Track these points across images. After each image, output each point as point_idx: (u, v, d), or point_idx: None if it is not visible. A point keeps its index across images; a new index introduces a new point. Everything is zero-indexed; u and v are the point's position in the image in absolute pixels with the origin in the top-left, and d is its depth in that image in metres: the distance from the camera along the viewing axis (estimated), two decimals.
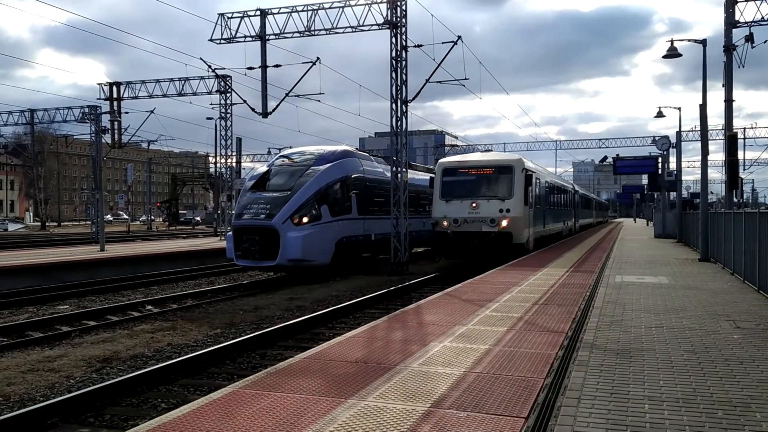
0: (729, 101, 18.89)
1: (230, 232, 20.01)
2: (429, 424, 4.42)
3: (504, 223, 19.57)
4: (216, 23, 25.26)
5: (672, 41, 21.78)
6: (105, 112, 35.38)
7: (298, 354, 6.62)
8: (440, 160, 22.49)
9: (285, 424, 4.40)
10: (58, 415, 6.96)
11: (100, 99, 35.07)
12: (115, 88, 34.58)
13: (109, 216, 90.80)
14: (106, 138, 36.05)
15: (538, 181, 23.61)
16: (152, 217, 74.65)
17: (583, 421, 4.48)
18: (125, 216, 78.71)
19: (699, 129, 22.55)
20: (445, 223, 20.22)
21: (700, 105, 20.56)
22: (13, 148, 78.97)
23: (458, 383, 5.43)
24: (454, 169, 21.42)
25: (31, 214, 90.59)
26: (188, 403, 4.99)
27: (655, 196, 46.97)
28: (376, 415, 4.59)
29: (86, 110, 38.19)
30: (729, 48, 18.64)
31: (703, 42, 21.08)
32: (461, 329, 7.85)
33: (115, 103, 34.52)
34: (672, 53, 21.77)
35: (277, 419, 4.52)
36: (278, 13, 24.52)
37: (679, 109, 33.06)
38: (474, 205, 20.02)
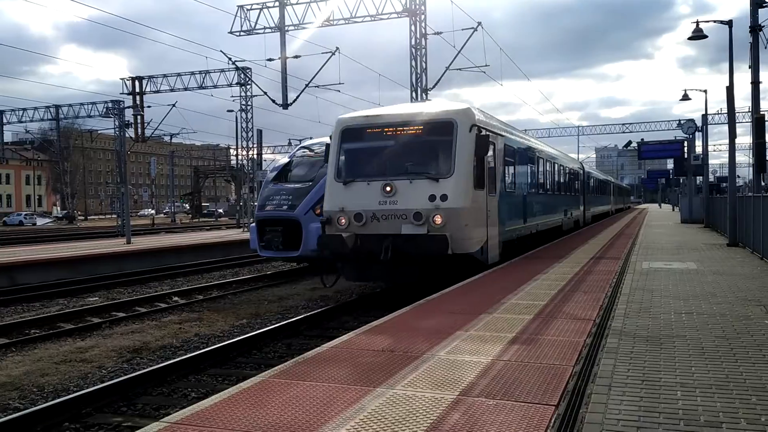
0: (756, 83, 18.47)
1: (253, 224, 20.15)
2: (458, 412, 4.42)
3: (438, 219, 11.48)
4: (235, 15, 25.38)
5: (697, 22, 21.37)
6: (128, 107, 35.81)
7: (325, 343, 6.66)
8: (339, 117, 13.47)
9: (315, 413, 4.44)
10: (92, 404, 7.08)
11: (123, 94, 35.52)
12: (137, 83, 34.94)
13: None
14: (130, 132, 36.49)
15: (508, 148, 14.94)
16: (176, 210, 75.43)
17: (614, 409, 4.45)
18: (150, 211, 79.63)
19: (725, 112, 22.15)
20: (342, 220, 12.17)
21: (727, 87, 20.19)
22: (39, 144, 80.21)
23: (486, 371, 5.42)
24: (358, 131, 12.99)
25: (59, 208, 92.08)
26: (219, 392, 5.05)
27: (681, 180, 46.31)
28: (405, 404, 4.60)
29: (110, 105, 38.67)
30: (755, 28, 18.20)
31: (729, 23, 20.61)
32: (488, 317, 7.83)
33: (137, 97, 34.89)
34: (697, 35, 21.35)
35: (306, 408, 4.55)
36: (297, 3, 24.52)
37: (705, 91, 32.56)
38: (388, 189, 11.82)
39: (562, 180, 23.91)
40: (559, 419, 4.27)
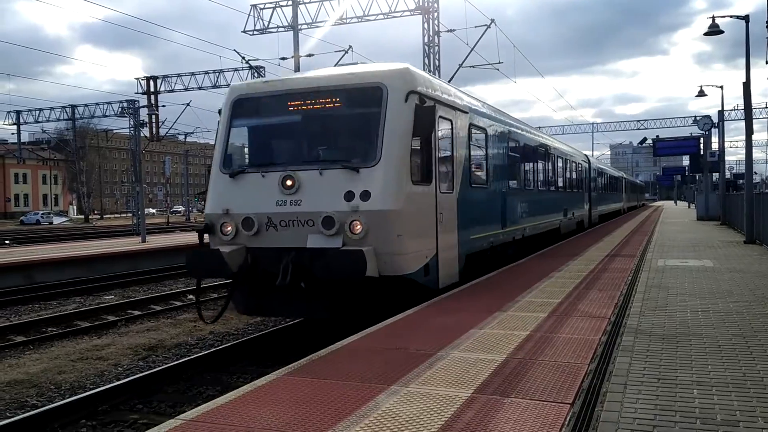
0: None
1: None
2: (473, 409, 4.41)
3: (357, 226, 8.33)
4: (249, 14, 25.47)
5: (713, 18, 21.22)
6: (143, 106, 36.03)
7: (340, 341, 6.67)
8: (233, 84, 10.32)
9: (329, 410, 4.44)
10: (108, 402, 7.16)
11: (137, 93, 35.69)
12: (151, 82, 35.11)
13: (152, 210, 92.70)
14: (145, 131, 36.71)
15: (476, 129, 11.54)
16: (191, 208, 75.84)
17: (630, 407, 4.42)
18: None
19: (742, 108, 21.91)
20: (227, 227, 9.01)
21: (744, 83, 19.97)
22: (55, 144, 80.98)
23: (501, 369, 5.40)
24: (254, 103, 9.68)
25: (75, 207, 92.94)
26: (234, 389, 5.07)
27: (697, 177, 45.89)
28: (420, 401, 4.60)
29: (125, 105, 38.90)
30: None
31: (746, 18, 20.40)
32: (502, 315, 7.80)
33: (152, 96, 35.06)
34: (713, 30, 21.17)
35: (321, 405, 4.56)
36: (310, 2, 24.55)
37: (721, 87, 32.24)
38: (289, 183, 8.68)
39: (560, 174, 20.71)
40: (575, 417, 4.25)
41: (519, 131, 15.41)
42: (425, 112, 8.75)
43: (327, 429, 4.11)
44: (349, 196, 8.35)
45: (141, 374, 8.00)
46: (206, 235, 9.18)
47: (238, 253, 8.73)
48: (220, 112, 9.77)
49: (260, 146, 9.88)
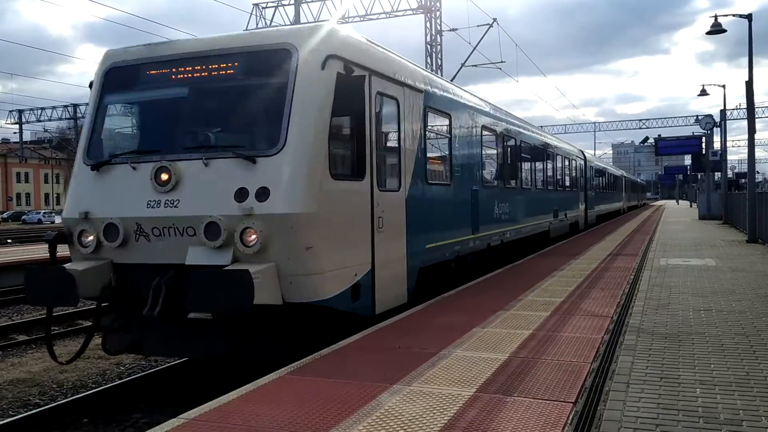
0: None
1: None
2: (475, 408, 4.41)
3: (251, 236, 6.27)
4: (251, 13, 25.48)
5: (716, 17, 21.18)
6: None
7: (341, 341, 6.66)
8: (107, 51, 7.83)
9: (331, 410, 4.44)
10: (110, 400, 7.15)
11: None
12: None
13: None
14: None
15: (434, 112, 9.76)
16: None
17: (633, 406, 4.41)
18: None
19: (744, 107, 21.89)
20: (87, 237, 6.95)
21: (746, 82, 19.96)
22: (57, 143, 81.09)
23: (503, 368, 5.40)
24: (130, 72, 7.51)
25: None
26: (237, 388, 5.07)
27: (699, 176, 45.87)
28: (422, 400, 4.59)
29: None
30: None
31: (748, 17, 20.37)
32: (504, 314, 7.80)
33: None
34: (716, 29, 21.15)
35: (323, 404, 4.56)
36: (312, 1, 24.56)
37: (723, 86, 32.22)
38: (164, 178, 6.64)
39: (550, 170, 18.84)
40: (578, 416, 4.25)
41: (498, 120, 13.57)
42: (353, 84, 6.89)
43: (329, 428, 4.11)
44: (241, 194, 6.32)
45: (143, 373, 8.01)
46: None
47: (99, 272, 6.70)
48: (91, 85, 7.64)
49: (134, 129, 7.81)
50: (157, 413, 6.85)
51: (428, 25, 21.86)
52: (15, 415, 6.80)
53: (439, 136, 10.06)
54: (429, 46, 21.77)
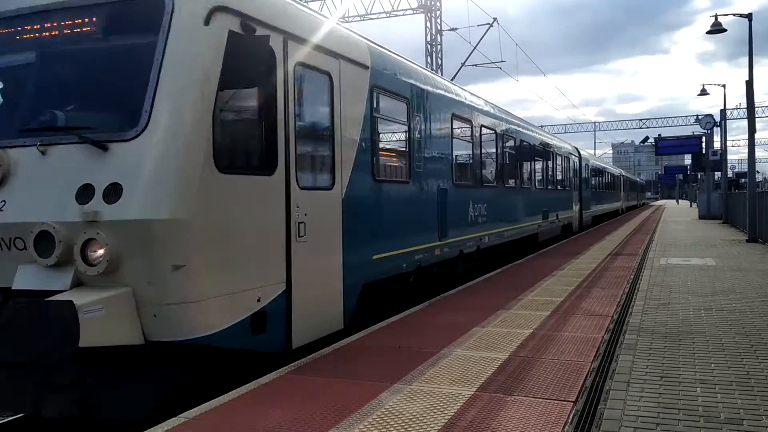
0: None
1: None
2: (476, 407, 4.41)
3: (97, 251, 4.66)
4: None
5: (716, 16, 21.20)
6: None
7: (342, 340, 6.67)
8: None
9: (332, 408, 4.45)
10: None
11: None
12: None
13: None
14: None
15: (382, 92, 8.09)
16: None
17: (633, 405, 4.42)
18: None
19: (745, 106, 21.90)
20: None
21: (746, 81, 19.96)
22: None
23: (503, 367, 5.40)
24: None
25: None
26: (238, 387, 5.08)
27: (699, 176, 45.89)
28: (423, 399, 4.60)
29: None
30: None
31: (749, 16, 20.38)
32: (504, 313, 7.80)
33: None
34: (716, 29, 21.16)
35: (324, 403, 4.56)
36: (312, 0, 24.56)
37: (723, 86, 32.25)
38: None
39: (539, 168, 17.29)
40: (578, 415, 4.25)
41: (473, 109, 11.78)
42: (253, 46, 5.24)
43: (330, 427, 4.11)
44: (84, 193, 4.79)
45: None
46: None
47: None
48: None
49: None
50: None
51: (428, 24, 21.88)
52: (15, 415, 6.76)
53: (393, 124, 8.57)
54: (429, 46, 21.78)
